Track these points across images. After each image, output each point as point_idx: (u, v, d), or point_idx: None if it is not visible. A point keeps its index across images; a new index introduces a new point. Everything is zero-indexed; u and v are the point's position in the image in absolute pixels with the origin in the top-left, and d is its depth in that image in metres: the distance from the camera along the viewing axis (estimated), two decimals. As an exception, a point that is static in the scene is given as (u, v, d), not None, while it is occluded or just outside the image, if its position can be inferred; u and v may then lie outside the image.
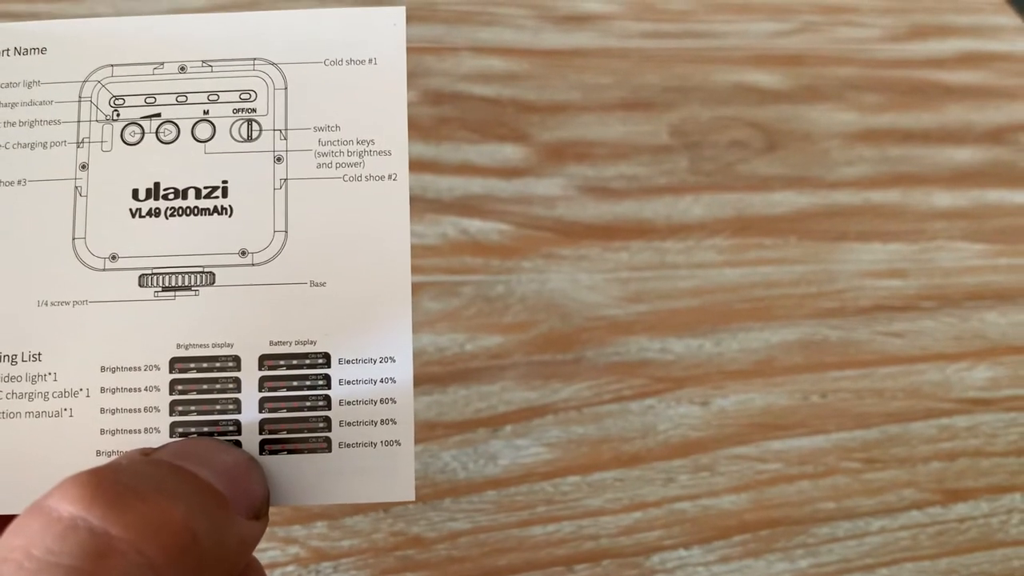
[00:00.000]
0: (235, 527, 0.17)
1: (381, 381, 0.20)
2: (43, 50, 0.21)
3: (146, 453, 0.18)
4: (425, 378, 0.40)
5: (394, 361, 0.21)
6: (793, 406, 0.41)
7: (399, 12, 0.22)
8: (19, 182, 0.20)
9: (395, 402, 0.20)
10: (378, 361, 0.21)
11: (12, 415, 0.20)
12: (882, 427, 0.41)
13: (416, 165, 0.48)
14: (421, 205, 0.46)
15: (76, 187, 0.21)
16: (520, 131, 0.50)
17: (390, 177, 0.21)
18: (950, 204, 0.51)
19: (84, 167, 0.21)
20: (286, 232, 0.21)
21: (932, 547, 0.38)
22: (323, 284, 0.21)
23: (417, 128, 0.49)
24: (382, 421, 0.20)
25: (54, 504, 0.15)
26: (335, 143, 0.21)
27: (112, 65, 0.21)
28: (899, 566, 0.38)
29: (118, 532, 0.15)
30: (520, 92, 0.52)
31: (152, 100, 0.21)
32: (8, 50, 0.21)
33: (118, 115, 0.21)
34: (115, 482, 0.16)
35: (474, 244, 0.45)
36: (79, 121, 0.21)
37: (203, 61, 0.21)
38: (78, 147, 0.21)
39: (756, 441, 0.40)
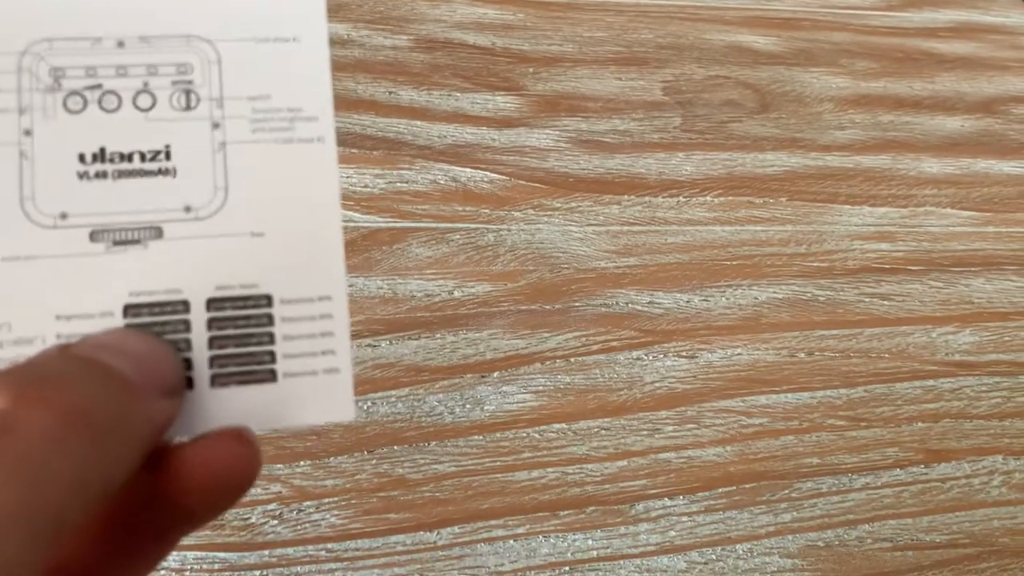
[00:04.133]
0: (141, 405, 0.19)
1: (320, 317, 0.22)
2: None
3: (64, 348, 0.20)
4: (413, 323, 0.40)
5: (330, 299, 0.22)
6: (780, 363, 0.41)
7: None
8: None
9: (333, 335, 0.22)
10: (316, 300, 0.22)
11: None
12: (867, 386, 0.41)
13: (407, 111, 0.47)
14: (411, 151, 0.45)
15: (21, 151, 0.22)
16: (513, 81, 0.50)
17: (318, 139, 0.23)
18: (939, 171, 0.51)
19: (28, 133, 0.22)
20: (226, 189, 0.22)
21: (914, 505, 0.38)
22: (262, 234, 0.22)
23: (409, 74, 0.48)
24: (322, 352, 0.22)
25: None
26: (267, 111, 0.23)
27: (50, 39, 0.22)
28: (881, 522, 0.38)
29: (22, 412, 0.16)
30: (514, 42, 0.51)
31: (93, 72, 0.22)
32: None
33: (60, 85, 0.22)
34: (21, 375, 0.18)
35: (465, 192, 0.44)
36: (20, 90, 0.22)
37: (140, 37, 0.23)
38: (20, 114, 0.22)
39: (742, 395, 0.40)
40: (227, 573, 0.32)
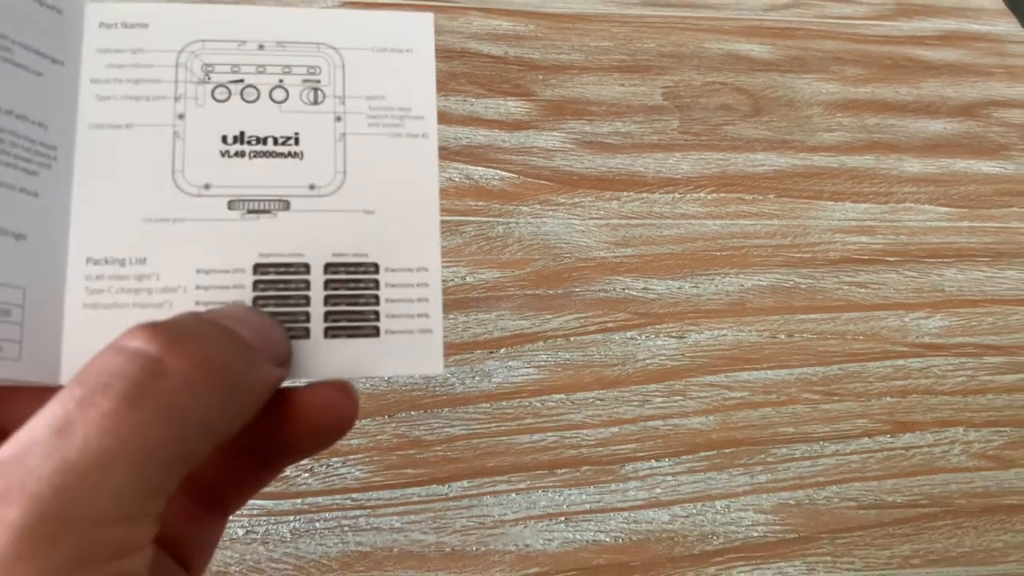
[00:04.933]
0: (260, 368, 0.22)
1: (418, 285, 0.26)
2: (145, 25, 0.27)
3: (197, 314, 0.23)
4: (429, 304, 0.44)
5: (427, 270, 0.26)
6: (761, 343, 0.46)
7: (428, 17, 0.28)
8: (126, 125, 0.26)
9: (428, 301, 0.26)
10: (415, 270, 0.26)
11: (122, 306, 0.25)
12: (842, 365, 0.46)
13: (426, 115, 0.52)
14: (430, 151, 0.50)
15: (175, 131, 0.26)
16: (524, 88, 0.54)
17: (423, 135, 0.27)
18: (920, 171, 0.55)
19: (181, 117, 0.26)
20: (344, 173, 0.26)
21: (879, 470, 0.42)
22: (373, 212, 0.26)
23: (428, 81, 0.53)
24: (418, 315, 0.26)
25: (124, 342, 0.20)
26: (382, 109, 0.27)
27: (204, 40, 0.27)
28: (848, 484, 0.42)
29: (170, 360, 0.19)
30: (525, 51, 0.56)
31: (237, 69, 0.27)
32: (117, 24, 0.27)
33: (209, 78, 0.27)
34: (169, 329, 0.20)
35: (477, 189, 0.49)
36: (176, 81, 0.26)
37: (278, 42, 0.27)
38: (175, 101, 0.26)
39: (725, 371, 0.44)
40: (265, 517, 0.37)
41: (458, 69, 0.54)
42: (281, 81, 0.27)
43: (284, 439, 0.23)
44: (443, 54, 0.54)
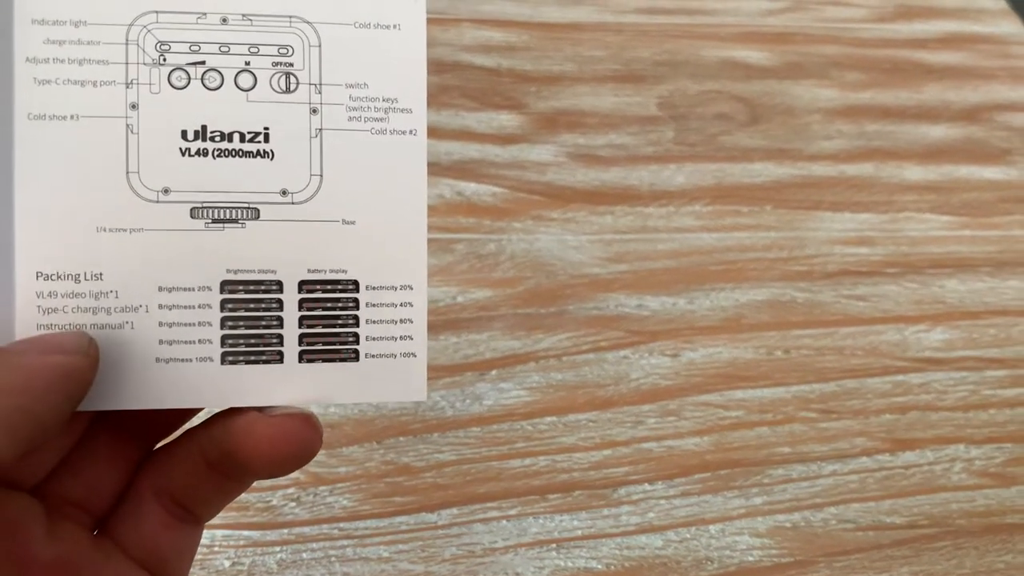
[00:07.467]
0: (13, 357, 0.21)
1: (401, 305, 0.24)
2: None
3: None
4: (419, 326, 0.44)
5: (411, 288, 0.24)
6: (758, 360, 0.45)
7: None
8: (71, 117, 0.22)
9: (412, 322, 0.24)
10: (399, 288, 0.24)
11: (80, 326, 0.22)
12: (840, 381, 0.45)
13: (417, 130, 0.51)
14: (420, 167, 0.49)
15: (127, 125, 0.23)
16: (516, 100, 0.53)
17: (411, 132, 0.24)
18: (921, 178, 0.54)
19: (134, 107, 0.23)
20: (321, 176, 0.23)
21: (878, 490, 0.42)
22: (353, 223, 0.24)
23: (419, 95, 0.52)
24: (401, 337, 0.24)
25: None
26: (364, 99, 0.24)
27: (157, 12, 0.23)
28: (846, 505, 0.41)
29: None
30: (518, 63, 0.55)
31: (196, 48, 0.23)
32: None
33: (164, 60, 0.23)
34: None
35: (468, 205, 0.48)
36: (127, 63, 0.23)
37: (243, 15, 0.23)
38: (127, 87, 0.23)
39: (721, 390, 0.44)
40: (251, 548, 0.37)
41: (450, 82, 0.53)
42: (248, 64, 0.23)
43: (244, 462, 0.23)
44: (435, 67, 0.54)
